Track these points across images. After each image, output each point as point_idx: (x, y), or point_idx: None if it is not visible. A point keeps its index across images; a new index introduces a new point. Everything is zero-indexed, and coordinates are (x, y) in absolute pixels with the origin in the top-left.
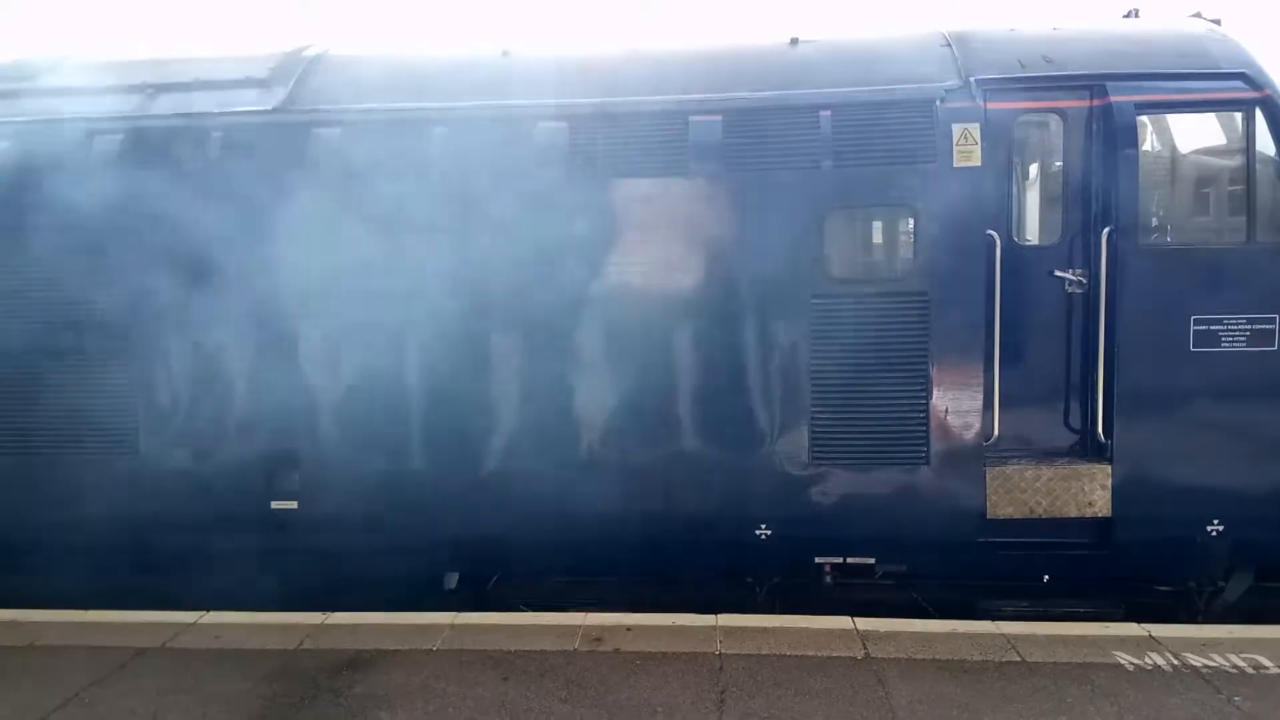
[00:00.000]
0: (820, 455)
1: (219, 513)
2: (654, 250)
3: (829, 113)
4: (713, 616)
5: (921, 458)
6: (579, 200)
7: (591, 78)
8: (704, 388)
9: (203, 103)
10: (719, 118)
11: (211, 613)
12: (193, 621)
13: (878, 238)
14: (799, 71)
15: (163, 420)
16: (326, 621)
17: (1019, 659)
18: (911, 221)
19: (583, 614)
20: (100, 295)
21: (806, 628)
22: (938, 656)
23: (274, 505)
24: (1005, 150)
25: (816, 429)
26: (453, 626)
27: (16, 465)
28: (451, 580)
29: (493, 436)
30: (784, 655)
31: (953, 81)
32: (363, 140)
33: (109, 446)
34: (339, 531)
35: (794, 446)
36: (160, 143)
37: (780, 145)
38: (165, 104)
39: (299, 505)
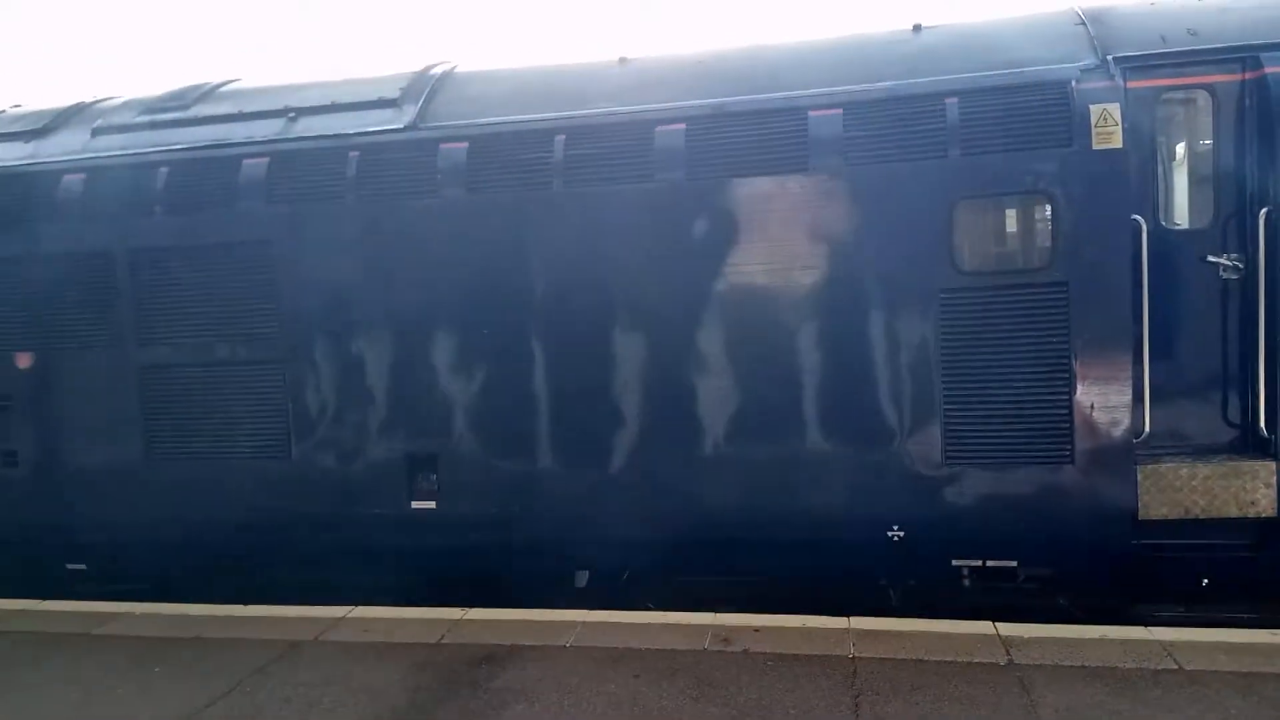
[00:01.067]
0: (955, 454)
1: (364, 513)
2: (775, 249)
3: (955, 100)
4: (844, 619)
5: (1066, 456)
6: (699, 201)
7: (708, 78)
8: (830, 386)
9: (340, 124)
10: (839, 111)
11: (360, 608)
12: (342, 616)
13: (1011, 227)
14: (923, 59)
15: (311, 426)
16: (465, 617)
17: (1176, 666)
18: (1048, 209)
19: (711, 614)
20: (260, 308)
21: (945, 632)
22: (1087, 663)
23: (414, 505)
24: (1149, 130)
25: (950, 427)
26: (584, 624)
27: (188, 469)
28: (582, 579)
29: (620, 436)
30: (921, 660)
31: (1089, 61)
32: (489, 152)
33: (264, 450)
34: (474, 530)
35: (926, 445)
36: (305, 164)
37: (904, 136)
38: (306, 127)
39: (437, 505)
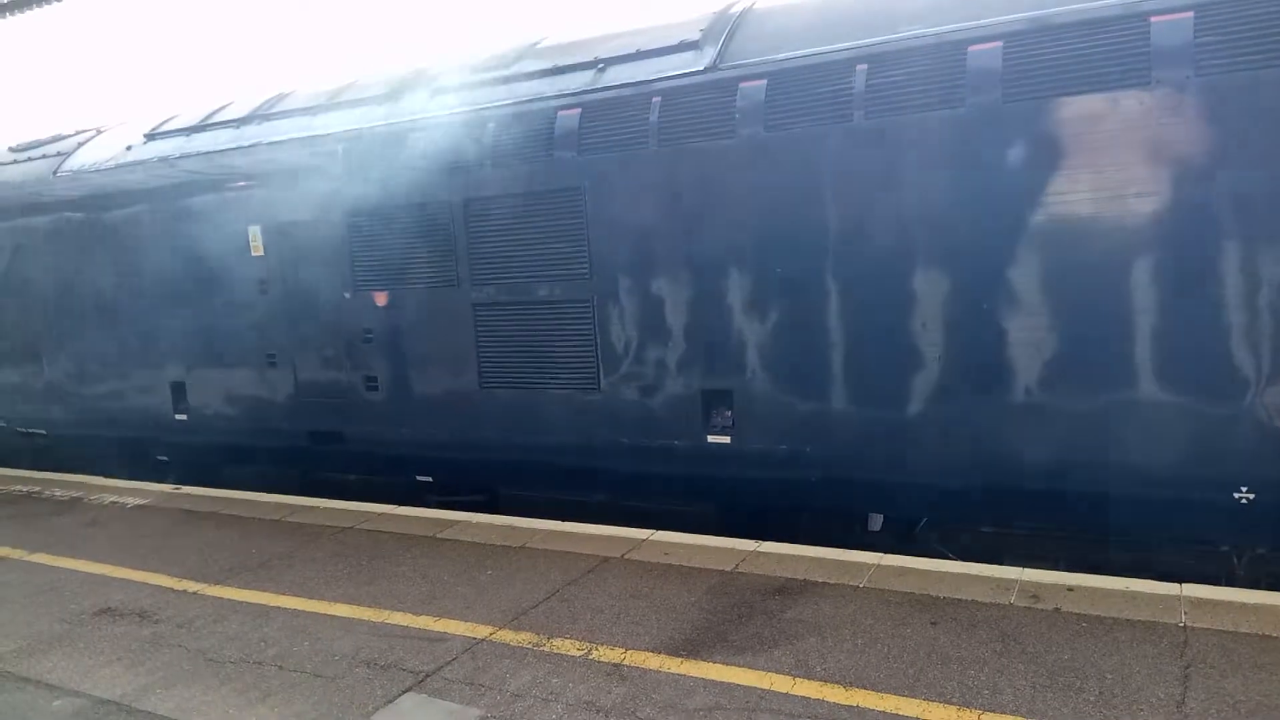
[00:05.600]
0: None
1: (664, 444)
2: (1106, 174)
3: None
4: (1175, 585)
5: None
6: (1017, 125)
7: None
8: (1168, 327)
9: (645, 71)
10: (1189, 15)
11: (659, 532)
12: (644, 539)
13: None
14: None
15: (617, 360)
16: (758, 549)
17: None
18: None
19: (1018, 568)
20: (573, 251)
21: None
22: None
23: (709, 439)
24: None
25: None
26: (879, 566)
27: (516, 397)
28: (876, 521)
29: (920, 379)
30: (1268, 636)
31: None
32: (787, 88)
33: (577, 382)
34: (767, 466)
35: None
36: (612, 112)
37: (1273, 36)
38: (614, 76)
39: (731, 440)
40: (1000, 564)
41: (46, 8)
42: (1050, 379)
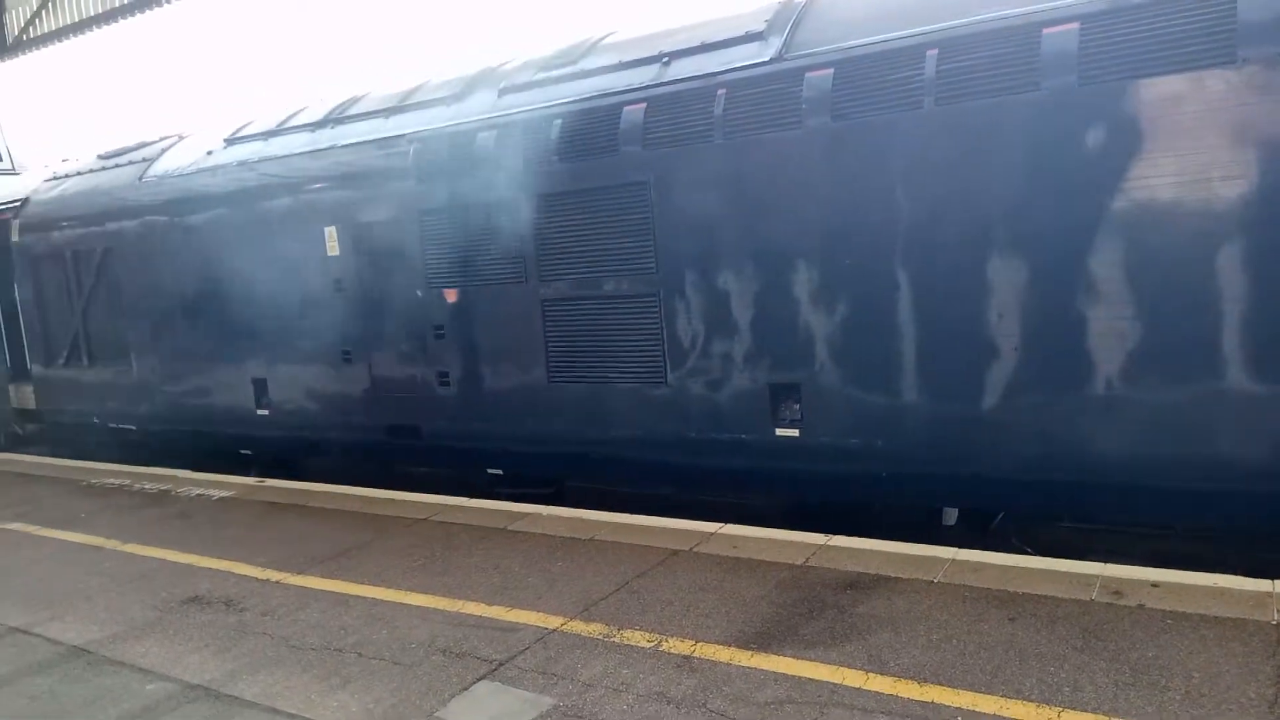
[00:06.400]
0: None
1: (731, 438)
2: (1189, 157)
3: None
4: (1269, 582)
5: None
6: (1094, 108)
7: None
8: (1256, 314)
9: (710, 64)
10: None
11: (728, 525)
12: (713, 532)
13: None
14: None
15: (684, 354)
16: (828, 543)
17: None
18: None
19: (1099, 564)
20: (639, 245)
21: None
22: None
23: (778, 432)
24: None
25: None
26: (954, 561)
27: (584, 391)
28: (951, 516)
29: (994, 371)
30: None
31: None
32: (854, 76)
33: (644, 376)
34: (837, 460)
35: None
36: (676, 106)
37: None
38: (679, 70)
39: (800, 434)
40: (1081, 559)
41: (159, 10)
42: (1133, 369)
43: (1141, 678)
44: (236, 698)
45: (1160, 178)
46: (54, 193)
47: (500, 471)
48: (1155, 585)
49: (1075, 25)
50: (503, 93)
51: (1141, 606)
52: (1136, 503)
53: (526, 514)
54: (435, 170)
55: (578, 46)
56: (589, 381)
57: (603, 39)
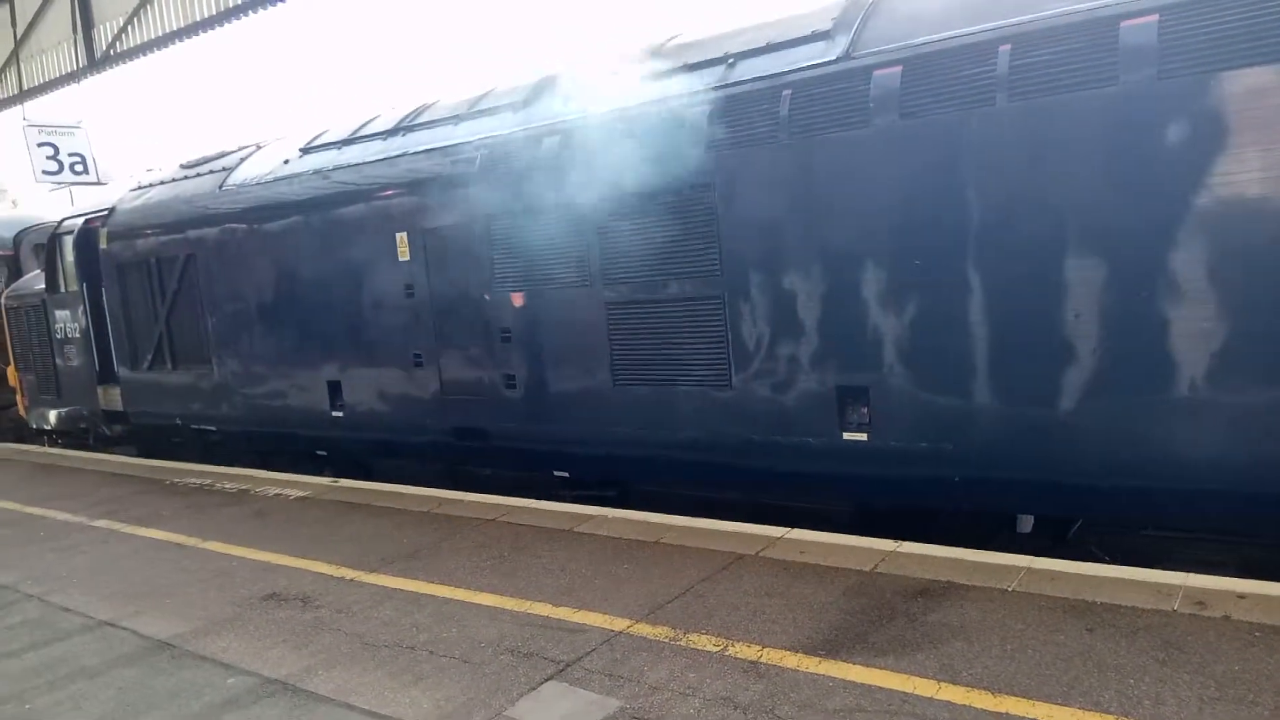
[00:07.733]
0: None
1: (798, 441)
2: (1274, 152)
3: None
4: None
5: None
6: (1175, 102)
7: None
8: None
9: (775, 64)
10: None
11: (795, 530)
12: (779, 536)
13: None
14: None
15: (749, 357)
16: (898, 549)
17: None
18: None
19: (1182, 574)
20: (704, 247)
21: None
22: None
23: (845, 436)
24: None
25: None
26: (1029, 570)
27: (648, 394)
28: (1026, 523)
29: (1071, 373)
30: None
31: None
32: (924, 74)
33: (709, 379)
34: (907, 464)
35: None
36: (740, 107)
37: None
38: (744, 71)
39: (868, 437)
40: (1162, 569)
41: (240, 21)
42: (1217, 371)
43: (1227, 692)
44: (312, 693)
45: (1246, 173)
46: (138, 202)
47: (566, 474)
48: (1241, 596)
49: (1154, 18)
50: (566, 98)
51: (1227, 618)
52: (1220, 509)
53: (592, 516)
54: (501, 176)
55: (642, 50)
56: (653, 384)
57: (667, 42)
